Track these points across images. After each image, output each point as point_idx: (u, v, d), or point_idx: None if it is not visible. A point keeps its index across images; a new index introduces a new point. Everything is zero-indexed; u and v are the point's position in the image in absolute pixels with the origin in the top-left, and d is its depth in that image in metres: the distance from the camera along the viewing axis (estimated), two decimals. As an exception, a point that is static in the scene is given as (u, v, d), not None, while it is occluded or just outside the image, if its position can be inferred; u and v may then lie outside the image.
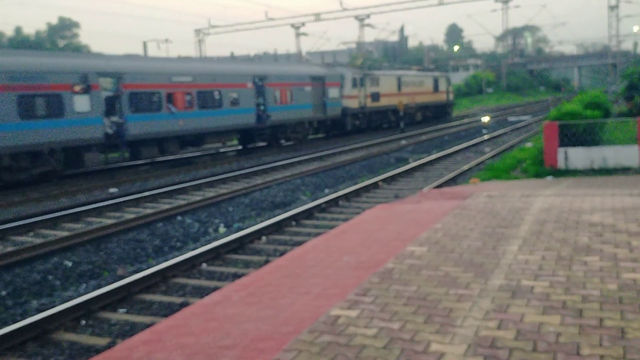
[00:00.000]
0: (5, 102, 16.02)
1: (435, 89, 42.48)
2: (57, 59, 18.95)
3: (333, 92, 30.42)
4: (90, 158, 18.61)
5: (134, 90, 19.80)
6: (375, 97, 33.74)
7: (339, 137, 31.22)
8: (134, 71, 19.95)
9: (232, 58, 68.27)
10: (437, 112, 43.23)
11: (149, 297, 7.46)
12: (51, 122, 17.17)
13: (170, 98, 21.07)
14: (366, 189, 14.50)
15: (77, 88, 17.98)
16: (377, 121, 35.10)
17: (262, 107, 25.63)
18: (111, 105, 19.38)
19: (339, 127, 31.79)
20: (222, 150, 28.00)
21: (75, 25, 60.60)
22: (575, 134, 14.43)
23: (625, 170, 13.93)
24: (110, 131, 19.06)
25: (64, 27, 59.52)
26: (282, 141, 27.87)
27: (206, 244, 9.83)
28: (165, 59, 26.88)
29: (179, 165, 21.89)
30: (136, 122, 19.78)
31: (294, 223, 11.21)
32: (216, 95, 23.12)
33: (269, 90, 25.86)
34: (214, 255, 9.03)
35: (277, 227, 10.74)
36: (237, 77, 24.38)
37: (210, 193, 15.47)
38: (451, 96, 46.55)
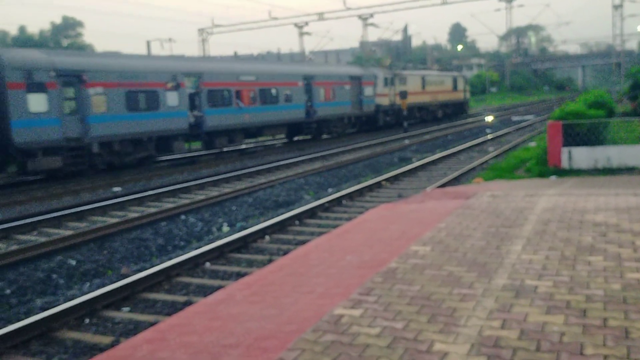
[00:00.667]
0: (116, 97, 19.39)
1: (454, 88, 45.65)
2: (155, 61, 22.47)
3: (368, 91, 33.49)
4: (177, 145, 21.91)
5: (210, 88, 22.99)
6: (403, 95, 35.78)
7: (371, 132, 33.45)
8: (210, 71, 23.15)
9: (236, 57, 68.28)
10: (456, 110, 46.26)
11: (152, 295, 7.48)
12: (150, 114, 20.44)
13: (238, 95, 24.32)
14: (369, 188, 14.50)
15: (169, 86, 21.26)
16: (408, 117, 37.30)
17: (309, 104, 28.68)
18: (193, 101, 22.60)
19: (372, 122, 34.65)
20: (269, 143, 30.56)
21: (79, 24, 60.71)
22: (579, 133, 14.40)
23: (629, 170, 13.90)
24: (192, 123, 22.30)
25: (68, 27, 59.62)
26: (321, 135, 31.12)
27: (210, 243, 9.83)
28: (234, 61, 31.69)
29: (183, 165, 21.92)
30: (212, 115, 23.04)
31: (297, 222, 11.21)
32: (274, 92, 26.34)
33: (315, 88, 28.98)
34: (218, 254, 9.04)
35: (281, 227, 10.75)
36: (290, 77, 27.62)
37: (213, 192, 15.49)
38: (467, 95, 49.63)
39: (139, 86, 20.05)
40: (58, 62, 18.03)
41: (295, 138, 30.39)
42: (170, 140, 21.52)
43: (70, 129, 18.12)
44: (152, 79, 20.61)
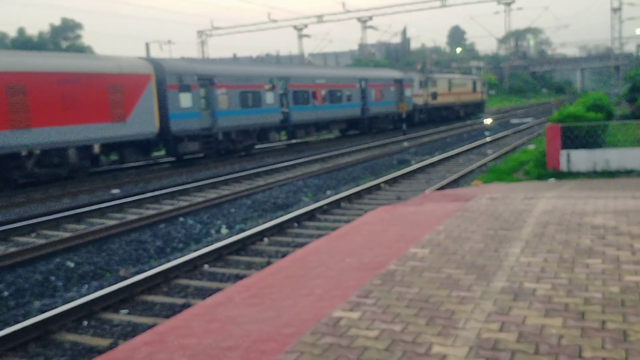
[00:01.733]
0: (234, 96, 23.90)
1: (474, 89, 50.51)
2: (258, 67, 28.34)
3: (407, 92, 38.18)
4: (272, 136, 26.96)
5: (295, 89, 28.03)
6: (434, 96, 41.80)
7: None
8: (295, 75, 28.40)
9: (235, 59, 68.35)
10: (475, 109, 51.14)
11: (151, 298, 7.47)
12: (255, 110, 25.20)
13: (314, 95, 29.31)
14: (368, 190, 14.50)
15: (267, 87, 26.07)
16: (436, 115, 42.96)
17: (364, 103, 33.43)
18: (281, 100, 27.33)
19: (409, 119, 38.33)
20: (325, 137, 34.21)
21: (78, 26, 60.67)
22: (578, 136, 14.43)
23: (628, 173, 13.92)
24: (281, 118, 27.06)
25: (67, 28, 59.59)
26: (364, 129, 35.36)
27: (208, 245, 9.83)
28: (310, 67, 36.75)
29: (181, 167, 21.93)
30: (296, 111, 28.04)
31: (296, 224, 11.21)
32: (338, 93, 31.20)
33: (368, 89, 33.82)
34: (216, 257, 9.04)
35: (279, 229, 10.74)
36: (350, 80, 32.46)
37: (212, 194, 15.49)
38: (485, 95, 54.52)
39: (248, 88, 24.93)
40: (198, 68, 22.91)
41: (349, 132, 35.29)
42: (267, 131, 26.60)
43: (204, 121, 22.67)
44: (257, 81, 25.51)
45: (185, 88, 21.76)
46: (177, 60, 24.22)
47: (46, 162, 17.58)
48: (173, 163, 23.27)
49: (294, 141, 30.67)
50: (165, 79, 21.07)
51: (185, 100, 21.74)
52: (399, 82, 37.23)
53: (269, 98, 26.12)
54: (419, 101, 39.96)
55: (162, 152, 24.22)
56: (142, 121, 20.01)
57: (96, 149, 18.86)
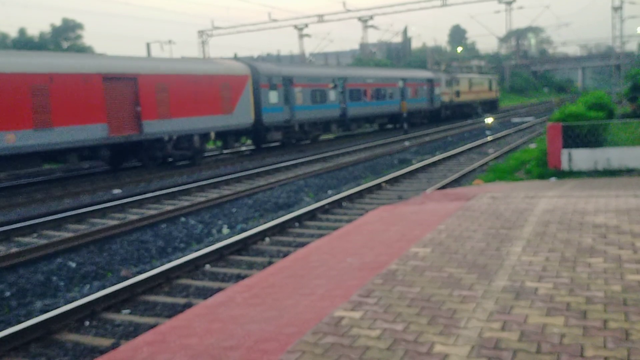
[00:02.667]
0: (307, 94, 28.53)
1: (490, 88, 55.81)
2: (323, 69, 33.38)
3: (437, 90, 42.81)
4: (333, 128, 31.64)
5: (350, 87, 32.22)
6: (457, 94, 46.64)
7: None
8: (351, 76, 32.98)
9: (236, 58, 68.39)
10: (491, 106, 55.83)
11: (152, 298, 7.47)
12: (321, 105, 29.62)
13: (364, 93, 33.60)
14: (369, 190, 14.50)
15: (330, 86, 30.52)
16: (458, 111, 47.50)
17: (402, 100, 37.41)
18: (340, 97, 31.50)
19: (437, 115, 43.59)
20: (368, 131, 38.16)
21: (79, 26, 60.67)
22: (579, 135, 14.41)
23: (629, 172, 13.91)
24: (340, 112, 31.28)
25: (68, 29, 59.59)
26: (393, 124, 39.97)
27: (210, 245, 9.83)
28: (362, 68, 42.24)
29: (183, 167, 21.93)
30: (351, 107, 32.23)
31: (297, 224, 11.21)
32: (383, 91, 35.72)
33: (406, 88, 38.35)
34: (218, 257, 9.04)
35: (281, 229, 10.74)
36: (392, 80, 37.09)
37: (213, 194, 15.49)
38: (498, 94, 60.07)
39: (317, 86, 29.32)
40: (283, 70, 27.66)
41: (387, 126, 39.86)
42: (330, 124, 31.00)
43: (286, 114, 27.05)
44: (323, 81, 30.04)
45: (274, 87, 26.27)
46: (267, 64, 28.78)
47: (180, 145, 21.67)
48: (253, 150, 27.51)
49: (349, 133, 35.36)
50: (259, 79, 25.37)
51: (273, 97, 26.26)
52: (430, 82, 41.83)
53: (332, 95, 30.65)
54: (446, 98, 44.58)
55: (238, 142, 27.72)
56: (243, 114, 24.25)
57: (212, 136, 23.31)
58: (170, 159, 21.93)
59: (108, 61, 19.32)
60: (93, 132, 18.12)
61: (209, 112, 22.51)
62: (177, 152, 21.55)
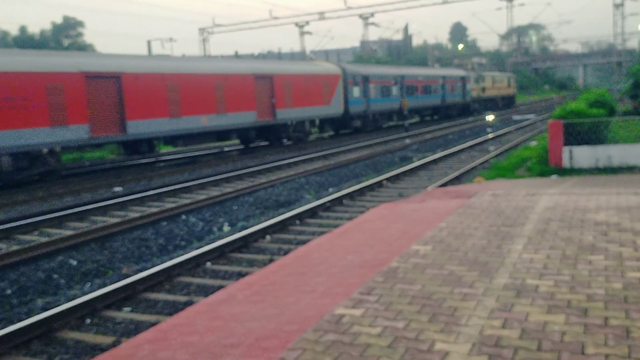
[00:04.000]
0: (377, 89, 34.74)
1: (508, 85, 61.36)
2: (388, 68, 40.47)
3: (468, 87, 49.25)
4: (394, 117, 37.56)
5: (407, 84, 38.90)
6: (483, 90, 52.86)
7: (414, 124, 42.09)
8: (407, 74, 39.51)
9: (237, 56, 68.36)
10: (509, 102, 61.27)
11: (153, 295, 7.48)
12: (386, 99, 35.98)
13: (416, 88, 40.43)
14: (370, 187, 14.50)
15: (392, 82, 36.96)
16: (484, 105, 53.19)
17: (443, 95, 44.31)
18: (399, 92, 37.59)
19: (467, 108, 49.69)
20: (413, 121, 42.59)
21: (80, 24, 60.60)
22: (580, 132, 14.39)
23: (630, 169, 13.89)
24: (399, 105, 36.36)
25: (69, 26, 59.52)
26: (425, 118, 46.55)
27: (210, 243, 9.83)
28: (415, 67, 48.15)
29: (183, 164, 21.94)
30: (409, 100, 37.77)
31: (298, 222, 11.22)
32: (429, 87, 42.37)
33: (446, 84, 44.69)
34: (219, 254, 9.04)
35: (282, 226, 10.75)
36: (436, 77, 43.80)
37: (214, 192, 15.49)
38: (515, 90, 65.45)
39: (384, 83, 35.88)
40: (362, 70, 34.39)
41: (428, 118, 46.12)
42: (391, 115, 37.27)
43: (364, 106, 33.44)
44: (388, 79, 36.55)
45: (356, 84, 32.73)
46: (352, 65, 36.64)
47: (296, 129, 28.07)
48: (333, 136, 32.91)
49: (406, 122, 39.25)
50: (347, 77, 31.80)
51: (356, 92, 32.71)
52: (463, 79, 48.48)
53: (394, 91, 36.98)
54: (474, 94, 50.84)
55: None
56: (337, 105, 30.67)
57: (317, 122, 30.55)
58: (287, 140, 28.06)
59: (259, 65, 26.99)
60: (248, 117, 24.56)
61: (316, 104, 29.10)
62: (294, 134, 28.03)
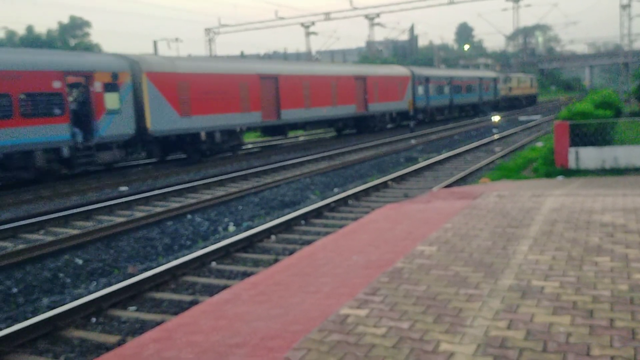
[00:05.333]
0: (434, 88, 41.22)
1: (531, 85, 68.34)
2: (443, 70, 48.45)
3: (498, 86, 55.92)
4: (445, 112, 44.63)
5: (454, 84, 44.74)
6: (510, 89, 59.80)
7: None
8: (455, 76, 45.84)
9: (242, 57, 68.50)
10: (531, 100, 67.99)
11: (159, 295, 7.50)
12: (441, 96, 42.59)
13: (461, 87, 46.53)
14: (376, 188, 14.49)
15: (445, 82, 43.29)
16: (511, 103, 59.85)
17: (480, 93, 50.89)
18: (449, 90, 44.41)
19: (497, 105, 55.96)
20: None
21: (87, 24, 60.85)
22: (587, 133, 14.34)
23: (637, 170, 13.83)
24: (449, 101, 44.02)
25: (75, 26, 59.78)
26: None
27: (216, 243, 9.85)
28: (461, 70, 60.14)
29: (189, 164, 21.97)
30: (455, 97, 45.10)
31: (303, 222, 11.22)
32: (470, 87, 48.60)
33: (482, 84, 51.49)
34: (224, 254, 9.06)
35: (287, 226, 10.75)
36: (475, 78, 50.38)
37: (219, 192, 15.51)
38: (537, 90, 72.70)
39: (439, 83, 42.36)
40: (424, 72, 40.87)
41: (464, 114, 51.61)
42: (444, 110, 44.08)
43: (425, 102, 39.89)
44: (442, 80, 42.96)
45: (421, 83, 39.38)
46: (419, 68, 42.82)
47: (381, 120, 34.83)
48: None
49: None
50: (415, 78, 38.45)
51: (421, 90, 39.41)
52: (494, 80, 55.21)
53: (446, 89, 43.55)
54: (503, 93, 57.46)
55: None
56: (406, 101, 36.91)
57: (394, 114, 36.32)
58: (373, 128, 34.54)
59: (357, 68, 34.56)
60: (350, 109, 31.61)
61: (394, 99, 35.86)
62: (379, 124, 34.72)
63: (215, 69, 23.41)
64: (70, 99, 18.15)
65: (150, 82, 20.00)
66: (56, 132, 17.10)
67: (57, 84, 17.10)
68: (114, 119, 18.84)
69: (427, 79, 40.24)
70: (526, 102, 65.58)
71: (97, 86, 18.36)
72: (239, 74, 24.28)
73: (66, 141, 17.37)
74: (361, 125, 33.97)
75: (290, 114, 27.05)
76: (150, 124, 19.91)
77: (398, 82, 36.42)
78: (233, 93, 23.57)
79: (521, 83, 64.14)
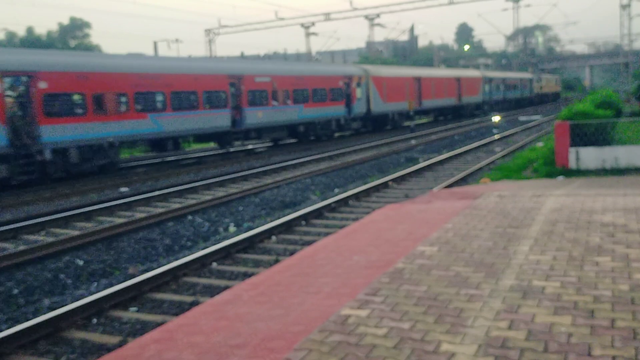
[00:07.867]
0: (495, 86, 54.60)
1: (556, 84, 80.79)
2: (491, 72, 58.85)
3: (533, 85, 66.37)
4: (498, 107, 55.20)
5: (507, 83, 57.36)
6: (540, 88, 70.24)
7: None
8: (494, 77, 54.31)
9: (243, 57, 68.53)
10: (556, 96, 79.65)
11: (159, 295, 7.50)
12: (496, 93, 54.74)
13: (500, 86, 55.82)
14: (376, 188, 14.49)
15: (501, 82, 56.44)
16: (541, 99, 70.24)
17: (520, 92, 62.02)
18: (491, 88, 54.32)
19: (532, 101, 66.50)
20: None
21: (87, 25, 60.77)
22: (587, 133, 14.34)
23: (637, 170, 13.82)
24: (503, 97, 56.84)
25: (75, 27, 59.71)
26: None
27: (216, 243, 9.86)
28: (502, 71, 67.65)
29: (189, 165, 21.99)
30: (494, 95, 53.71)
31: (304, 222, 11.22)
32: (513, 85, 58.45)
33: (523, 83, 62.56)
34: (225, 255, 9.06)
35: (287, 227, 10.75)
36: (515, 78, 60.84)
37: (220, 192, 15.51)
38: (560, 88, 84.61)
39: (496, 83, 52.15)
40: (488, 74, 53.08)
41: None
42: (499, 103, 53.36)
43: (488, 97, 51.66)
44: (499, 79, 54.13)
45: (489, 83, 50.75)
46: (486, 71, 53.59)
47: (468, 108, 47.50)
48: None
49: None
50: (484, 79, 49.95)
51: (487, 88, 50.81)
52: (530, 80, 65.92)
53: (501, 87, 53.94)
54: (536, 90, 67.83)
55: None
56: (480, 96, 49.02)
57: (450, 109, 45.46)
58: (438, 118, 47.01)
59: (462, 72, 47.89)
60: (450, 101, 43.99)
61: (473, 95, 48.34)
62: (466, 111, 46.11)
63: (399, 73, 37.83)
64: (345, 90, 31.57)
65: (371, 82, 33.66)
66: (339, 110, 31.10)
67: (342, 83, 31.23)
68: (359, 104, 32.51)
69: (490, 80, 52.20)
70: (552, 98, 78.44)
71: (354, 84, 32.14)
72: (406, 78, 38.09)
73: (342, 116, 31.39)
74: (457, 113, 46.45)
75: (426, 104, 40.97)
76: (372, 107, 33.58)
77: (477, 82, 49.52)
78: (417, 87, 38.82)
79: (549, 82, 77.22)
